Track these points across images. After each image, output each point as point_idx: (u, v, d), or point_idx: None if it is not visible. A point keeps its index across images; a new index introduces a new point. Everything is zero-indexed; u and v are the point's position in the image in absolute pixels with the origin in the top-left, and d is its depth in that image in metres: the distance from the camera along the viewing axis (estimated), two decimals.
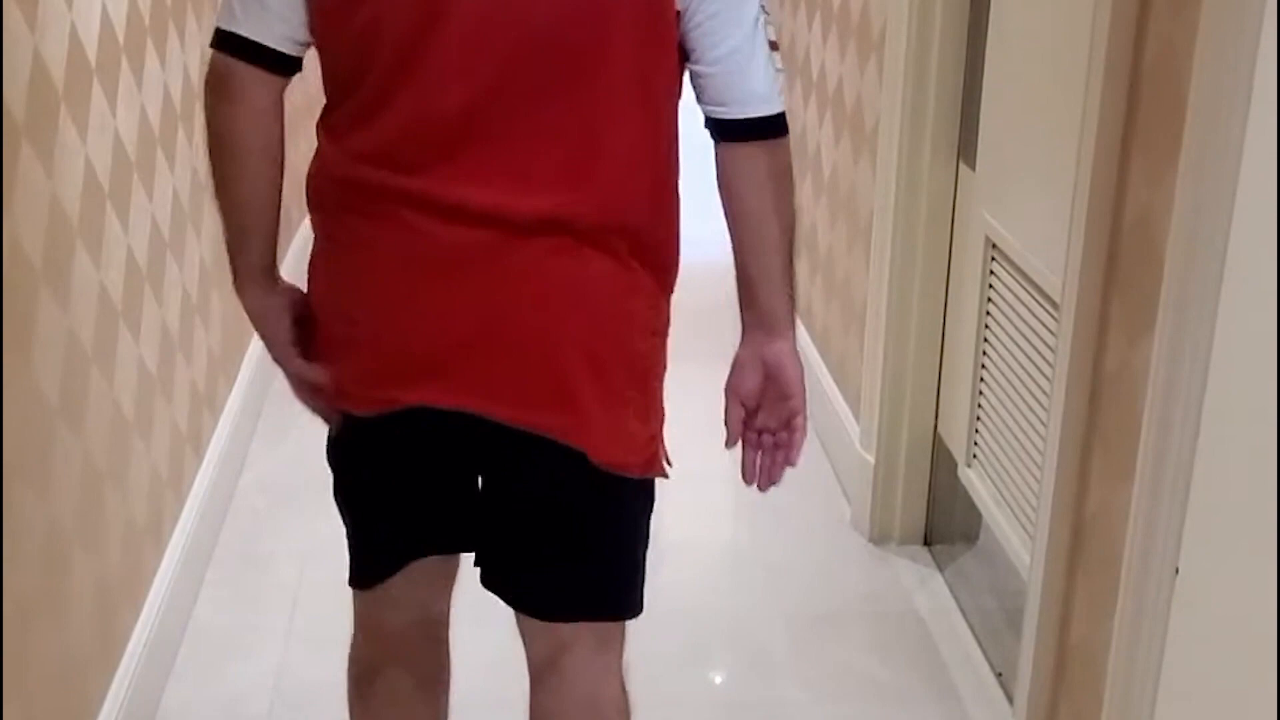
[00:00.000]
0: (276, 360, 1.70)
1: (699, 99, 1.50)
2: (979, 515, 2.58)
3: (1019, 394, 2.31)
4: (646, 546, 1.69)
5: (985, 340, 2.50)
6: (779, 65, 1.34)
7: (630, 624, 2.60)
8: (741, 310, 1.62)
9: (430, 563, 1.73)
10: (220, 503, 2.96)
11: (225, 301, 3.17)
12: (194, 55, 2.92)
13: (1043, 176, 2.19)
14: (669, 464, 1.67)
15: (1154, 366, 1.65)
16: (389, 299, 1.53)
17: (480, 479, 1.65)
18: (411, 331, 1.53)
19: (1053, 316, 2.10)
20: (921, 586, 2.78)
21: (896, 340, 2.79)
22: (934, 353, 2.79)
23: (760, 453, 1.70)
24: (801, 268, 3.68)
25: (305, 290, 1.68)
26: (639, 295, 1.58)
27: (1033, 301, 2.24)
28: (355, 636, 1.84)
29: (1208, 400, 1.55)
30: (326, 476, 2.99)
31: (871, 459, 2.90)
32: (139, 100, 2.45)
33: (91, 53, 2.17)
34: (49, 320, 1.95)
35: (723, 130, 1.50)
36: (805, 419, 1.65)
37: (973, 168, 2.58)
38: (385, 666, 1.82)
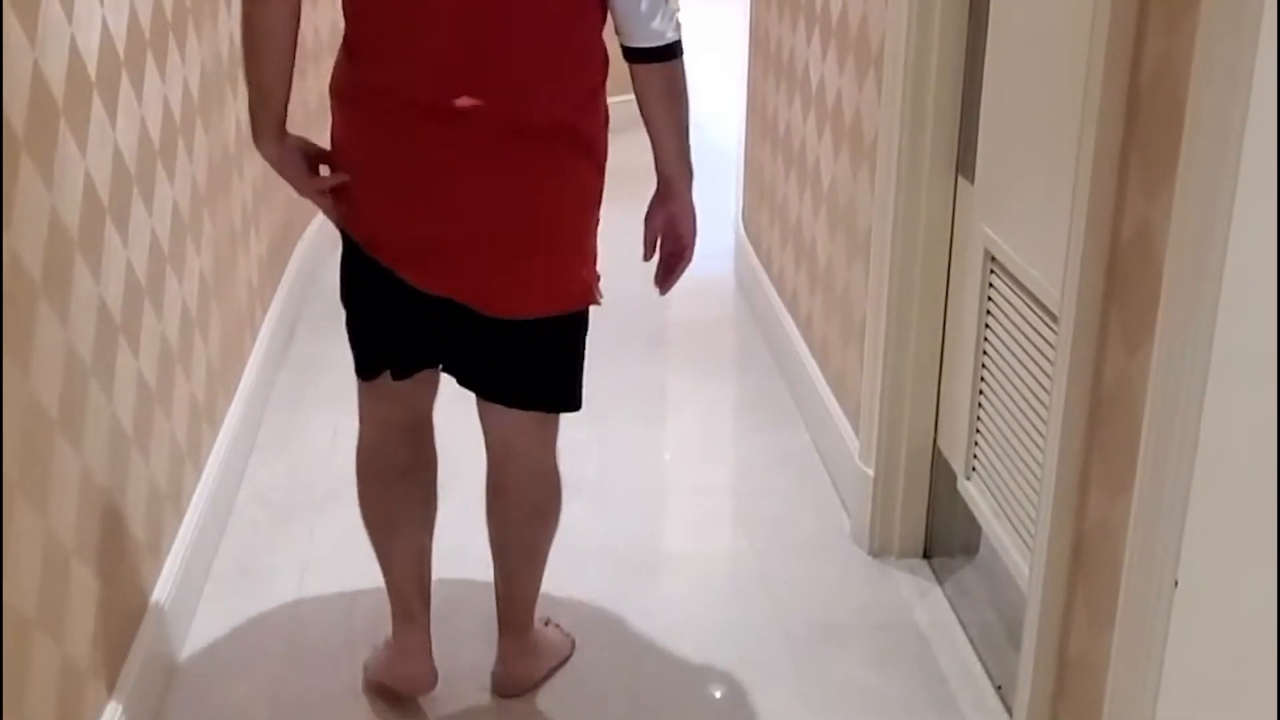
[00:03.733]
0: (300, 191, 2.19)
1: (616, 31, 2.07)
2: (978, 528, 2.58)
3: (1018, 406, 2.31)
4: (583, 358, 2.28)
5: (984, 353, 2.50)
6: (676, 6, 2.11)
7: (631, 636, 2.64)
8: (656, 169, 2.21)
9: (420, 373, 2.27)
10: (219, 516, 2.96)
11: (224, 315, 3.18)
12: (194, 68, 2.92)
13: (1041, 189, 2.20)
14: (600, 295, 2.24)
15: (1153, 378, 1.65)
16: (396, 183, 2.08)
17: (456, 316, 2.16)
18: (412, 213, 2.09)
19: (1052, 329, 2.10)
20: (921, 599, 2.78)
21: (896, 353, 2.79)
22: (933, 366, 2.80)
23: (664, 270, 2.29)
24: (801, 280, 3.69)
25: (313, 144, 2.19)
26: (584, 170, 2.14)
27: (1032, 314, 2.24)
28: (360, 429, 2.39)
29: (1206, 412, 1.55)
30: (325, 489, 3.05)
31: (871, 472, 2.90)
32: (139, 113, 2.45)
33: (91, 66, 2.17)
34: (48, 333, 1.95)
35: (631, 55, 2.08)
36: (692, 252, 2.27)
37: (971, 181, 2.58)
38: (382, 449, 2.37)
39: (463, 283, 2.12)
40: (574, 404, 2.30)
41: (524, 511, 2.38)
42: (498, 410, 2.28)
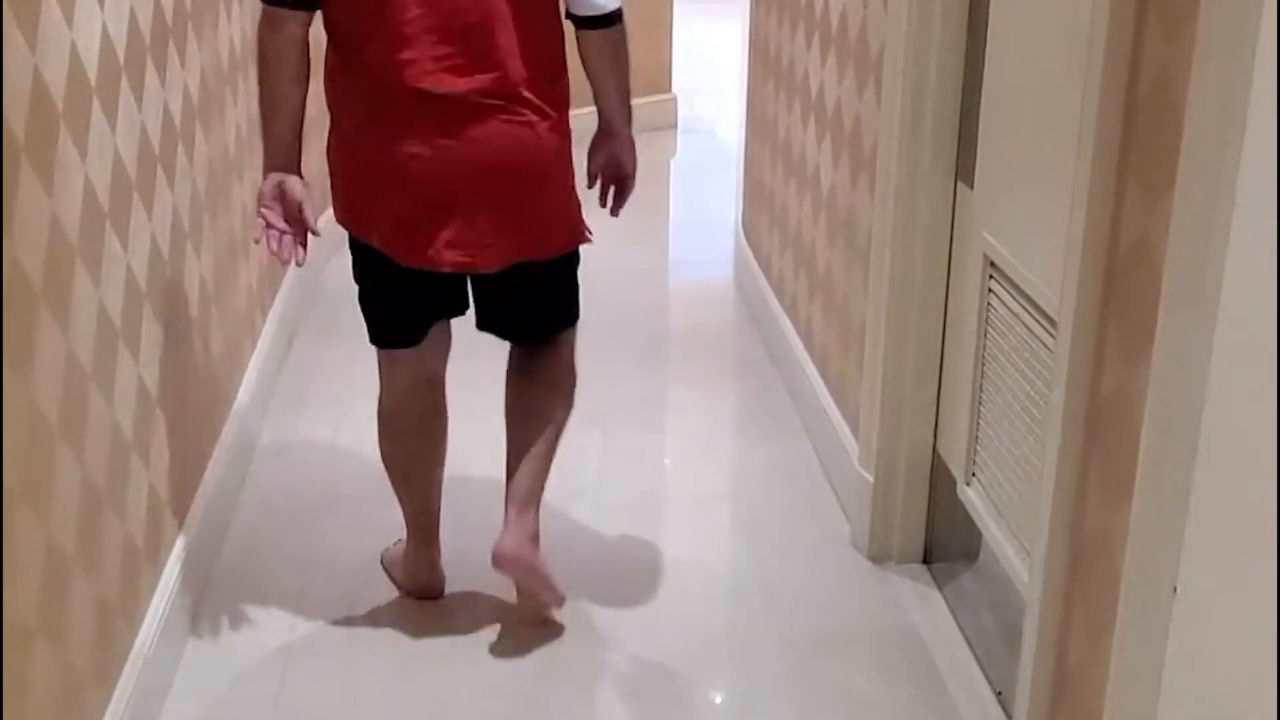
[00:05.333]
0: (265, 203, 2.38)
1: (568, 4, 2.42)
2: (978, 534, 2.58)
3: (1018, 412, 2.31)
4: (578, 282, 2.64)
5: (984, 359, 2.50)
6: None
7: (632, 643, 2.64)
8: (599, 116, 2.57)
9: (431, 334, 2.57)
10: (219, 522, 2.96)
11: (225, 320, 3.18)
12: (194, 74, 2.93)
13: (1041, 196, 2.20)
14: (590, 232, 2.56)
15: (1152, 385, 1.65)
16: (395, 151, 2.34)
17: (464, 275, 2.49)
18: (424, 188, 2.35)
19: (1051, 335, 2.10)
20: (921, 605, 2.78)
21: (895, 359, 2.80)
22: (933, 371, 2.80)
23: (608, 194, 2.64)
24: (800, 287, 3.69)
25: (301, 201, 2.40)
26: (560, 131, 2.45)
27: (1031, 320, 2.25)
28: (380, 390, 2.64)
29: (1205, 419, 1.55)
30: (325, 493, 3.08)
31: (870, 477, 2.90)
32: (139, 119, 2.46)
33: (92, 72, 2.17)
34: (48, 339, 1.95)
35: (577, 22, 2.45)
36: (633, 181, 2.63)
37: (971, 187, 2.58)
38: (400, 409, 2.64)
39: (474, 250, 2.40)
40: (576, 317, 2.68)
41: (543, 383, 2.66)
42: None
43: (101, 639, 2.17)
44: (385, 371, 2.62)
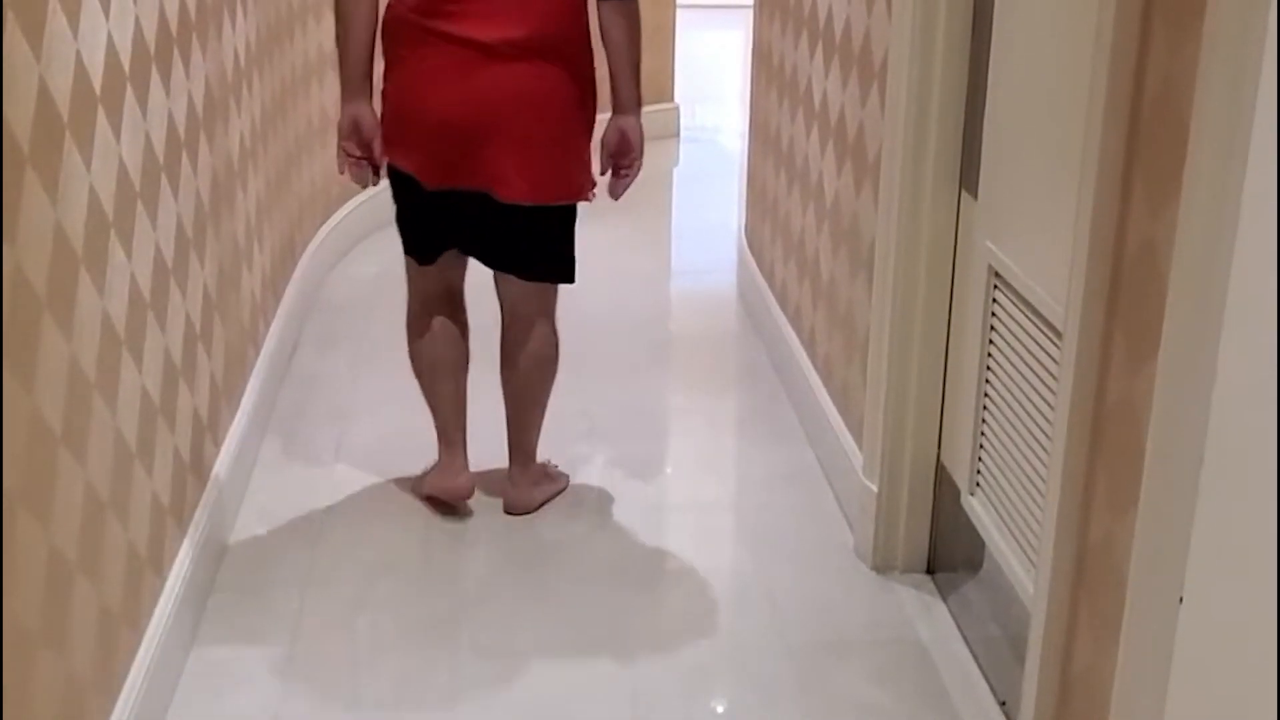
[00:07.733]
0: (347, 138, 2.86)
1: None
2: (982, 543, 2.57)
3: (1022, 422, 2.31)
4: (573, 242, 2.98)
5: (988, 368, 2.50)
6: None
7: (634, 651, 2.63)
8: (612, 97, 2.86)
9: (450, 256, 2.99)
10: (222, 531, 2.96)
11: (228, 329, 3.18)
12: (198, 83, 2.93)
13: (1045, 205, 2.20)
14: (595, 190, 2.90)
15: (1157, 395, 1.65)
16: (428, 93, 2.76)
17: (478, 208, 2.85)
18: (441, 123, 2.76)
19: (1055, 344, 2.10)
20: (925, 615, 2.77)
21: (899, 369, 2.79)
22: (937, 381, 2.79)
23: (615, 179, 2.94)
24: (804, 296, 3.69)
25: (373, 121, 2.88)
26: (581, 85, 2.81)
27: (1035, 329, 2.24)
28: (409, 301, 3.06)
29: (1210, 428, 1.55)
30: (328, 503, 3.09)
31: (874, 487, 2.89)
32: (143, 128, 2.46)
33: (96, 80, 2.18)
34: (52, 347, 1.95)
35: None
36: (640, 163, 2.93)
37: (975, 196, 2.58)
38: (426, 313, 3.03)
39: (493, 178, 2.77)
40: (568, 278, 3.00)
41: (529, 363, 3.04)
42: (509, 281, 2.98)
43: (104, 647, 2.17)
44: (413, 280, 3.03)
